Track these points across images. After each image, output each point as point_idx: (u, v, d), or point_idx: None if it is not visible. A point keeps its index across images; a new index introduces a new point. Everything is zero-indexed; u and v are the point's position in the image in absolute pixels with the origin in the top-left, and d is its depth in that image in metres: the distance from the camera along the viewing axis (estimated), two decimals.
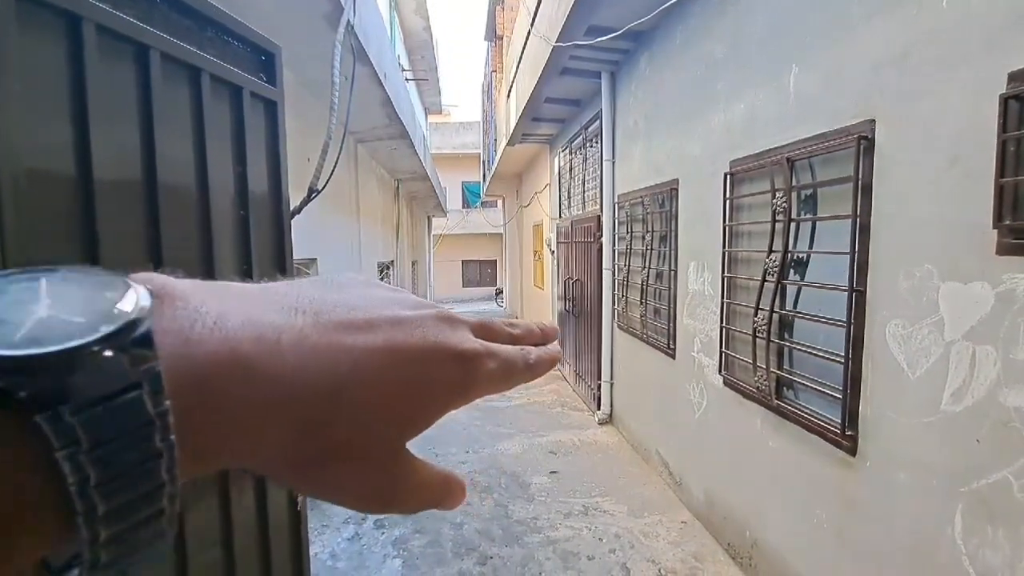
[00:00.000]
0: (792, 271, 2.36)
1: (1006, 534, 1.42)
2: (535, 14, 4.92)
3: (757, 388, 2.53)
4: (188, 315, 0.19)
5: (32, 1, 0.84)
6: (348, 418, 0.22)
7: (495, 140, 10.76)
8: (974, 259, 1.50)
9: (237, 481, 1.35)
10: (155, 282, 0.20)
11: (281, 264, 1.61)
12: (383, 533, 3.17)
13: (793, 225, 2.29)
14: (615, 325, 4.85)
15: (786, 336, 2.41)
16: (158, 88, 1.07)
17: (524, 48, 5.87)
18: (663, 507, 3.43)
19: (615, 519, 3.29)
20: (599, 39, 3.77)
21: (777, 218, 2.35)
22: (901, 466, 1.76)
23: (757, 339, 2.47)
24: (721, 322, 2.88)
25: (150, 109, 1.06)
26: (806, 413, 2.22)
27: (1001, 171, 1.40)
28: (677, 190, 3.45)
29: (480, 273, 22.23)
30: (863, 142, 1.86)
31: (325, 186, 2.65)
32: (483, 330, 0.28)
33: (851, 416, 1.95)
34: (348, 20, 2.78)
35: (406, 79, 8.01)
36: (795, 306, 2.35)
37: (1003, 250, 1.42)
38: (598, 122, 4.98)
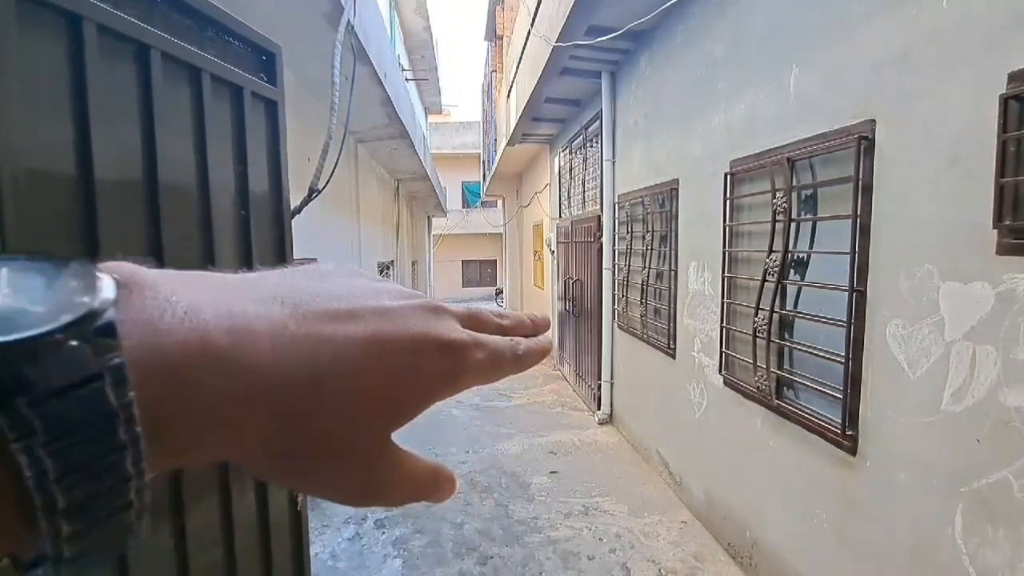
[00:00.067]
0: (792, 271, 2.36)
1: (1006, 534, 1.42)
2: (535, 14, 4.92)
3: (757, 388, 2.53)
4: (158, 305, 0.19)
5: (32, 1, 0.84)
6: (329, 409, 0.21)
7: (495, 140, 10.76)
8: (974, 259, 1.50)
9: (238, 481, 1.35)
10: (123, 271, 0.19)
11: (282, 264, 1.61)
12: (383, 533, 3.17)
13: (793, 225, 2.29)
14: (615, 325, 4.85)
15: (786, 336, 2.41)
16: (159, 88, 1.07)
17: (524, 48, 5.87)
18: (663, 507, 3.43)
19: (615, 519, 3.29)
20: (599, 39, 3.77)
21: (777, 218, 2.35)
22: (901, 466, 1.76)
23: (757, 339, 2.47)
24: (721, 322, 2.88)
25: (151, 109, 1.06)
26: (806, 413, 2.22)
27: (1001, 171, 1.40)
28: (677, 190, 3.45)
29: (480, 273, 22.23)
30: (863, 142, 1.86)
31: (325, 186, 2.65)
32: (471, 320, 0.27)
33: (851, 416, 1.95)
34: (348, 20, 2.78)
35: (406, 79, 8.01)
36: (795, 306, 2.35)
37: (1003, 250, 1.42)
38: (598, 122, 4.98)
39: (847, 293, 1.92)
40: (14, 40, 0.81)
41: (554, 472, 4.00)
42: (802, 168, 2.28)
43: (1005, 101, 1.38)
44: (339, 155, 2.79)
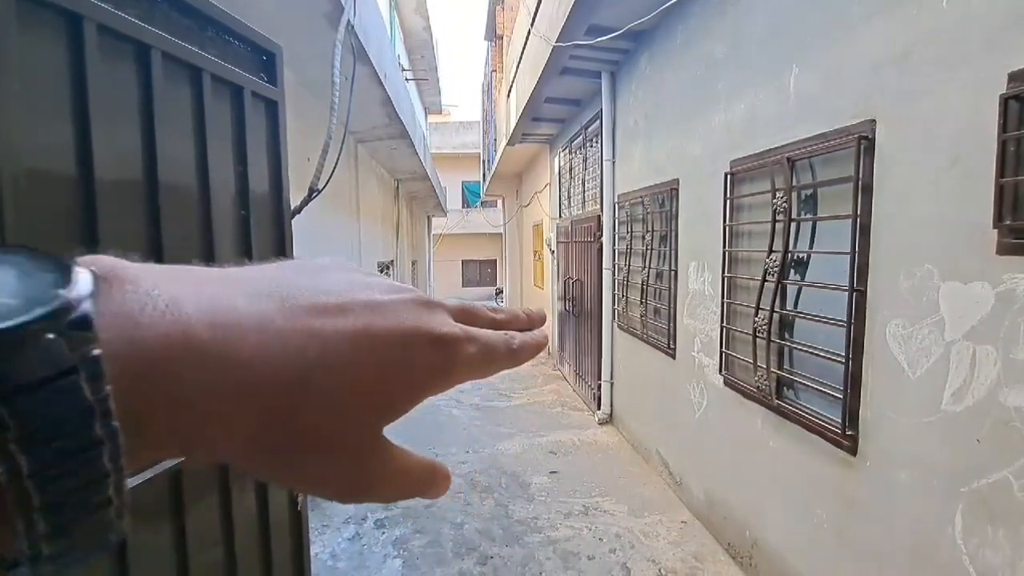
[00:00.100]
0: (792, 271, 2.36)
1: (1006, 534, 1.42)
2: (535, 14, 4.92)
3: (757, 388, 2.53)
4: (138, 298, 0.18)
5: (32, 1, 0.84)
6: (317, 404, 0.21)
7: (495, 140, 10.76)
8: (974, 259, 1.50)
9: (238, 481, 1.35)
10: (102, 264, 0.19)
11: None
12: (383, 533, 3.17)
13: (793, 225, 2.29)
14: (615, 325, 4.85)
15: (786, 336, 2.41)
16: (159, 88, 1.08)
17: (524, 48, 5.87)
18: (663, 507, 3.43)
19: (615, 519, 3.29)
20: (599, 39, 3.77)
21: (777, 218, 2.35)
22: (901, 466, 1.76)
23: (757, 339, 2.47)
24: (721, 322, 2.88)
25: (151, 109, 1.06)
26: (806, 413, 2.22)
27: (1001, 171, 1.40)
28: (677, 190, 3.45)
29: (480, 273, 22.24)
30: (863, 142, 1.86)
31: (325, 186, 2.65)
32: (464, 314, 0.27)
33: (851, 416, 1.95)
34: (348, 20, 2.78)
35: (406, 79, 8.01)
36: (795, 306, 2.35)
37: (1003, 250, 1.42)
38: (598, 122, 4.98)
39: (847, 293, 1.92)
40: (14, 40, 0.81)
41: (554, 472, 4.00)
42: (802, 168, 2.28)
43: (1005, 101, 1.38)
44: (339, 155, 2.79)
